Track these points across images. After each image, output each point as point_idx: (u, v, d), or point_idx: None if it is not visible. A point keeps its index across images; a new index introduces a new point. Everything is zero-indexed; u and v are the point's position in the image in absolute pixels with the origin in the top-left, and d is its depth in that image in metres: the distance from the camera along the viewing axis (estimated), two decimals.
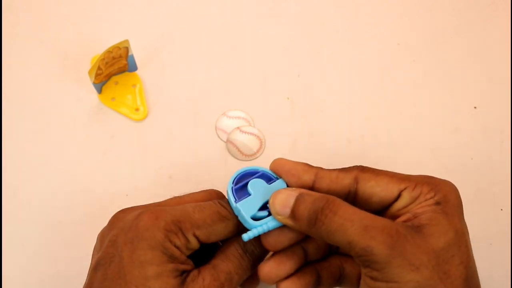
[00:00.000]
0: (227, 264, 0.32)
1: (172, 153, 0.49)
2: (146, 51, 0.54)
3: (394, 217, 0.32)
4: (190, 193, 0.36)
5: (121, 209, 0.35)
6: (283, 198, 0.32)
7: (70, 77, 0.52)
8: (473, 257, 0.32)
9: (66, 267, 0.44)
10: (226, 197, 0.34)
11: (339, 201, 0.31)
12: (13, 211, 0.46)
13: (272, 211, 0.33)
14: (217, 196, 0.36)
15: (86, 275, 0.34)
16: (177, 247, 0.31)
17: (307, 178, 0.34)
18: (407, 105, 0.52)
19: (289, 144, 0.49)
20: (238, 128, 0.49)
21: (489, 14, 0.57)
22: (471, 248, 0.32)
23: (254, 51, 0.55)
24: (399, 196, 0.32)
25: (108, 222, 0.34)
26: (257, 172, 0.35)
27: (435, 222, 0.30)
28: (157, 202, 0.35)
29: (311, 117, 0.51)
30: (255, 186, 0.34)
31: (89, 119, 0.50)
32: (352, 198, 0.33)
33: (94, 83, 0.48)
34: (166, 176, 0.47)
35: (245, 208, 0.33)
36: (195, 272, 0.31)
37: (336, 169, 0.34)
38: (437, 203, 0.31)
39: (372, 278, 0.30)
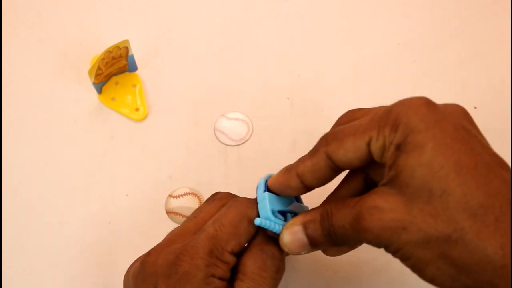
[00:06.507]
0: (242, 283, 0.31)
1: (172, 153, 0.49)
2: (146, 51, 0.54)
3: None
4: (202, 208, 0.35)
5: (147, 252, 0.33)
6: (294, 240, 0.32)
7: (70, 77, 0.52)
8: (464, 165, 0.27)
9: (66, 267, 0.44)
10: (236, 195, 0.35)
11: (330, 208, 0.31)
12: (13, 211, 0.46)
13: (291, 253, 0.33)
14: (227, 196, 0.36)
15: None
16: (221, 277, 0.31)
17: (295, 184, 0.33)
18: None
19: (289, 144, 0.49)
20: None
21: (489, 14, 0.57)
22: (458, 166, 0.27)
23: (254, 51, 0.55)
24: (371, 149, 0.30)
25: (140, 268, 0.32)
26: None
27: (400, 168, 0.28)
28: (180, 229, 0.34)
29: (311, 117, 0.51)
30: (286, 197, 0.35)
31: (89, 119, 0.50)
32: (337, 171, 0.32)
33: (94, 83, 0.48)
34: (166, 176, 0.47)
35: (271, 201, 0.33)
36: None
37: (307, 155, 0.33)
38: (397, 147, 0.28)
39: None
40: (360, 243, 0.33)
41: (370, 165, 0.32)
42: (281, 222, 0.33)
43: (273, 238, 0.33)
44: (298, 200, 0.36)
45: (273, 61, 0.54)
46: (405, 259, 0.28)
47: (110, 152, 0.49)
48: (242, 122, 0.50)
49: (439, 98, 0.53)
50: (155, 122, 0.50)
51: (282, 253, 0.33)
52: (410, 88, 0.53)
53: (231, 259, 0.31)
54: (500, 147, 0.50)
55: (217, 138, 0.49)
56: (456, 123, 0.29)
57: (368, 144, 0.29)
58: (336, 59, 0.54)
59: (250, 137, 0.50)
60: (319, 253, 0.35)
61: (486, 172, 0.27)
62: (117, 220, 0.45)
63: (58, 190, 0.47)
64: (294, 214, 0.35)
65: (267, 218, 0.32)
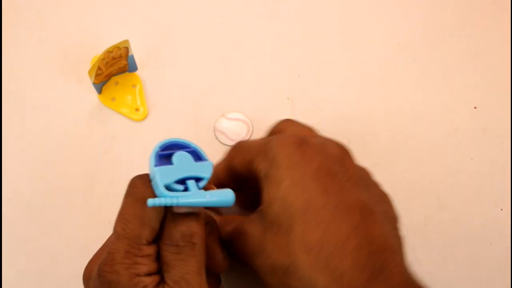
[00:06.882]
0: (168, 274, 0.30)
1: None
2: (146, 51, 0.54)
3: None
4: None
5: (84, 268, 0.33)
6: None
7: (70, 77, 0.52)
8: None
9: (66, 267, 0.44)
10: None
11: (221, 221, 0.37)
12: (13, 211, 0.46)
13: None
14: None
15: None
16: (148, 273, 0.30)
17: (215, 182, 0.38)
18: (407, 105, 0.52)
19: None
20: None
21: (489, 14, 0.57)
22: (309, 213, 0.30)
23: (254, 51, 0.55)
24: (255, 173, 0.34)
25: (83, 281, 0.33)
26: (188, 147, 0.33)
27: (263, 198, 0.31)
28: (111, 235, 0.33)
29: (311, 117, 0.51)
30: (181, 158, 0.32)
31: (89, 119, 0.50)
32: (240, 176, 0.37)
33: (94, 83, 0.48)
34: None
35: (162, 175, 0.30)
36: None
37: (222, 161, 0.38)
38: (265, 177, 0.32)
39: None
40: None
41: None
42: (179, 194, 0.30)
43: (182, 214, 0.31)
44: (200, 158, 0.33)
45: (273, 61, 0.54)
46: (262, 280, 0.32)
47: (110, 152, 0.49)
48: (242, 122, 0.50)
49: (439, 98, 0.53)
50: (155, 122, 0.50)
51: (194, 224, 0.31)
52: (410, 88, 0.53)
53: (151, 250, 0.30)
54: (500, 147, 0.50)
55: (217, 138, 0.49)
56: (320, 166, 0.31)
57: (250, 169, 0.34)
58: (336, 59, 0.54)
59: (250, 137, 0.50)
60: None
61: (331, 213, 0.29)
62: None
63: (58, 190, 0.47)
64: (196, 178, 0.32)
65: (161, 195, 0.30)
